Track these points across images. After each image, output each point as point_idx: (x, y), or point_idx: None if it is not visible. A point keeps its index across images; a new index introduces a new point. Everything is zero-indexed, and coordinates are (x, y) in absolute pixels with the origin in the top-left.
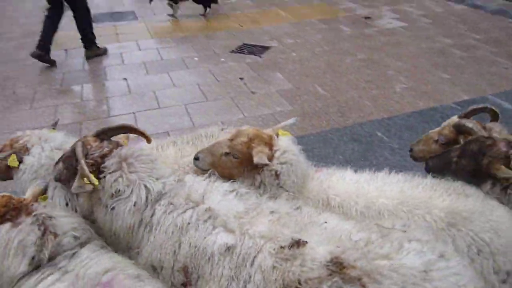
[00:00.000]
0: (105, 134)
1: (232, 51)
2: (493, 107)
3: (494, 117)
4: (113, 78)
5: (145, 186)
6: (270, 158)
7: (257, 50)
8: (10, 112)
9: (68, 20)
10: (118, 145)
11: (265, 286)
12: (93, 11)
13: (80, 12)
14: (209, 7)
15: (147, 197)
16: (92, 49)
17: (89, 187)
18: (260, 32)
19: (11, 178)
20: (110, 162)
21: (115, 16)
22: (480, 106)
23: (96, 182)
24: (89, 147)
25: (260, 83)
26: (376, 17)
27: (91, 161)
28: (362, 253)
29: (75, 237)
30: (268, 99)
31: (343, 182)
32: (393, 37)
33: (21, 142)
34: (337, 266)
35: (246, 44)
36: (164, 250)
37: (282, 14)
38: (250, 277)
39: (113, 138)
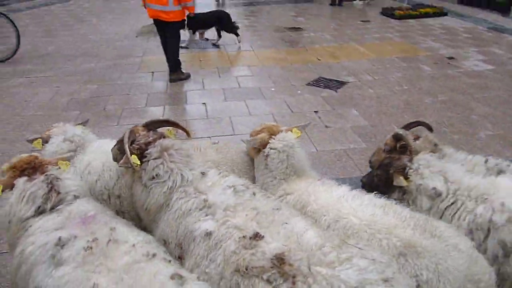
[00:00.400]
0: (152, 125)
1: (309, 84)
2: (426, 122)
3: (429, 129)
4: (193, 102)
5: (181, 175)
6: (265, 144)
7: (334, 84)
8: (99, 127)
9: (156, 44)
10: (162, 136)
11: (223, 267)
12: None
13: (173, 38)
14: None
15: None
16: (177, 73)
17: (134, 165)
18: (337, 66)
19: None
20: (153, 150)
21: (199, 44)
22: (416, 120)
23: (137, 162)
24: (137, 135)
25: (334, 118)
26: (461, 58)
27: (137, 146)
28: (306, 256)
29: (75, 196)
30: (342, 134)
31: (327, 193)
32: (479, 79)
33: (49, 132)
34: (278, 261)
35: (323, 78)
36: (171, 228)
37: (360, 50)
38: (216, 258)
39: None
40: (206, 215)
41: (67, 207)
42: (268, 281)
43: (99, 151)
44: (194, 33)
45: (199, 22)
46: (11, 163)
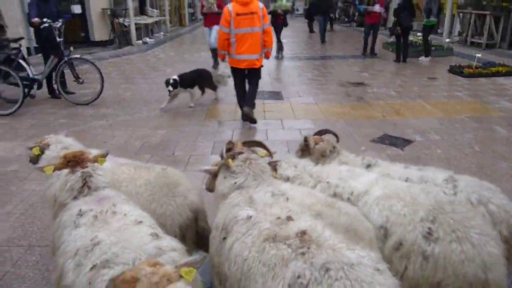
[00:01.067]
0: (247, 144)
1: (373, 140)
2: (333, 131)
3: (335, 135)
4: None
5: (248, 179)
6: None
7: (400, 142)
8: None
9: (222, 94)
10: (251, 151)
11: (255, 237)
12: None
13: (259, 80)
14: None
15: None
16: (252, 111)
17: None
18: (403, 124)
19: None
20: (241, 156)
21: (264, 95)
22: (324, 129)
23: (231, 162)
24: (235, 146)
25: None
26: None
27: (232, 153)
28: (324, 236)
29: (104, 187)
30: None
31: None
32: None
33: (45, 141)
34: (301, 233)
35: (388, 135)
36: (223, 214)
37: (428, 108)
38: (252, 232)
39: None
40: (250, 207)
41: (95, 192)
42: (289, 246)
43: None
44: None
45: (185, 81)
46: (66, 153)
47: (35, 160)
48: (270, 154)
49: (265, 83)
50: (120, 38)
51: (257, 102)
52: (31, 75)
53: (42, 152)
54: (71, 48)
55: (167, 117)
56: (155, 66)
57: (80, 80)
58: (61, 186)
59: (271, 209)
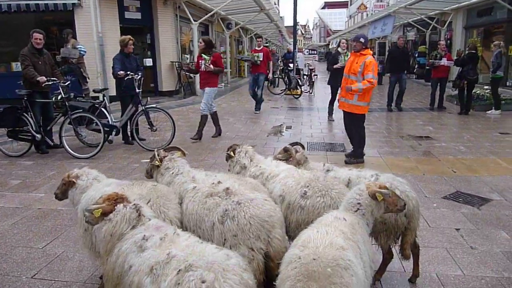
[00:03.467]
0: (167, 149)
1: (445, 197)
2: (301, 143)
3: (302, 146)
4: None
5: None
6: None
7: (475, 200)
8: None
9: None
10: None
11: (199, 197)
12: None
13: None
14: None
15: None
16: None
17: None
18: (476, 181)
19: (66, 197)
20: (167, 158)
21: (326, 146)
22: (294, 141)
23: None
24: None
25: (480, 239)
26: None
27: (159, 157)
28: (238, 189)
29: (154, 216)
30: (491, 259)
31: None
32: None
33: (74, 174)
34: (226, 189)
35: (461, 192)
36: (176, 191)
37: (503, 165)
38: (197, 195)
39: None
40: (193, 182)
41: (148, 222)
42: (220, 196)
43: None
44: None
45: None
46: (106, 196)
47: (62, 194)
48: (184, 154)
49: (327, 135)
50: (185, 88)
51: (320, 154)
52: (111, 122)
53: (73, 185)
54: (148, 98)
55: None
56: (220, 115)
57: (154, 128)
58: (121, 219)
59: (208, 180)
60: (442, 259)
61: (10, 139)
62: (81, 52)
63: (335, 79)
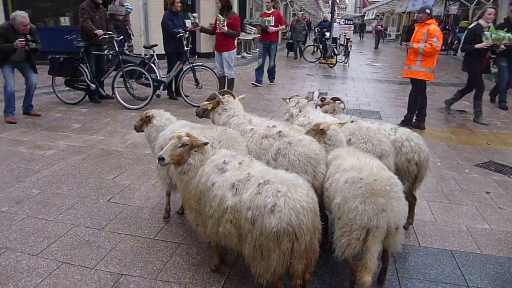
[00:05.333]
0: (221, 92)
1: (477, 165)
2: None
3: (341, 102)
4: None
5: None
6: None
7: (507, 170)
8: None
9: None
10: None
11: (256, 138)
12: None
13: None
14: None
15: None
16: None
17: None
18: (510, 153)
19: (142, 131)
20: (224, 100)
21: (363, 114)
22: (335, 96)
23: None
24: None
25: (508, 201)
26: None
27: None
28: (289, 132)
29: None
30: None
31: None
32: None
33: (150, 113)
34: (278, 132)
35: (494, 162)
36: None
37: None
38: (254, 136)
39: None
40: (250, 124)
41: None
42: (274, 138)
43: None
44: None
45: None
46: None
47: (139, 128)
48: (234, 98)
49: (363, 103)
50: None
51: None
52: (159, 78)
53: (149, 122)
54: (196, 56)
55: None
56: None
57: (200, 85)
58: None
59: (263, 123)
60: (471, 215)
61: (67, 88)
62: (128, 9)
63: (477, 62)
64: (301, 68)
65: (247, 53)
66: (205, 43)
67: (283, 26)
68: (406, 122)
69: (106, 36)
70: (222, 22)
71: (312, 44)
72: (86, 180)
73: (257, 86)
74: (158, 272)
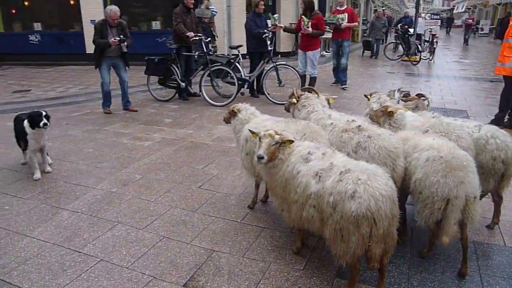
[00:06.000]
0: (304, 90)
1: None
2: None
3: (426, 98)
4: None
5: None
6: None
7: None
8: None
9: None
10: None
11: (336, 132)
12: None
13: None
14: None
15: None
16: None
17: None
18: None
19: (229, 123)
20: (303, 97)
21: (448, 113)
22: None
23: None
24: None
25: None
26: None
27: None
28: (369, 126)
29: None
30: None
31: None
32: None
33: (237, 107)
34: (358, 126)
35: None
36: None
37: None
38: (334, 130)
39: None
40: (330, 119)
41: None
42: (353, 132)
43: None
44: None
45: None
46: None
47: (227, 120)
48: (318, 94)
49: (448, 101)
50: None
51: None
52: (243, 76)
53: (236, 115)
54: (279, 56)
55: None
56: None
57: (282, 84)
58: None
59: (342, 118)
60: None
61: (160, 86)
62: (213, 12)
63: None
64: (381, 66)
65: (326, 51)
66: (285, 42)
67: (356, 23)
68: (496, 121)
69: (197, 38)
70: (306, 24)
71: (394, 41)
72: (180, 169)
73: (343, 87)
74: (245, 250)
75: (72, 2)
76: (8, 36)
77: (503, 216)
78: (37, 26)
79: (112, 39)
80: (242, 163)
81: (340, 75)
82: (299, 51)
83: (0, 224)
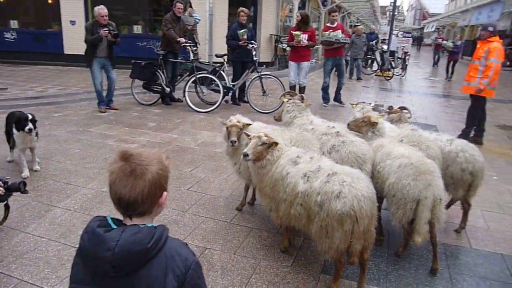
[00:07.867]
0: (288, 93)
1: None
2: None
3: (408, 111)
4: None
5: (299, 111)
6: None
7: None
8: None
9: None
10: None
11: (316, 136)
12: None
13: None
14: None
15: None
16: None
17: None
18: None
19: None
20: (289, 102)
21: (419, 127)
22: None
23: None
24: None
25: None
26: None
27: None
28: (345, 133)
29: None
30: None
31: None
32: None
33: (242, 122)
34: (336, 132)
35: None
36: (296, 130)
37: None
38: (314, 134)
39: None
40: (311, 125)
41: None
42: (332, 135)
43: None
44: None
45: None
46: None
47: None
48: (303, 99)
49: (419, 116)
50: (280, 60)
51: None
52: (228, 84)
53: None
54: (264, 66)
55: None
56: (312, 89)
57: (266, 93)
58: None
59: (324, 124)
60: None
61: (144, 90)
62: (196, 20)
63: None
64: (356, 80)
65: (316, 61)
66: (265, 52)
67: (349, 39)
68: (463, 136)
69: (187, 44)
70: (300, 37)
71: (369, 56)
72: None
73: (326, 106)
74: (236, 248)
75: (50, 1)
76: None
77: (469, 222)
78: (14, 23)
79: (102, 30)
80: (237, 170)
81: (337, 94)
82: (291, 62)
83: None
